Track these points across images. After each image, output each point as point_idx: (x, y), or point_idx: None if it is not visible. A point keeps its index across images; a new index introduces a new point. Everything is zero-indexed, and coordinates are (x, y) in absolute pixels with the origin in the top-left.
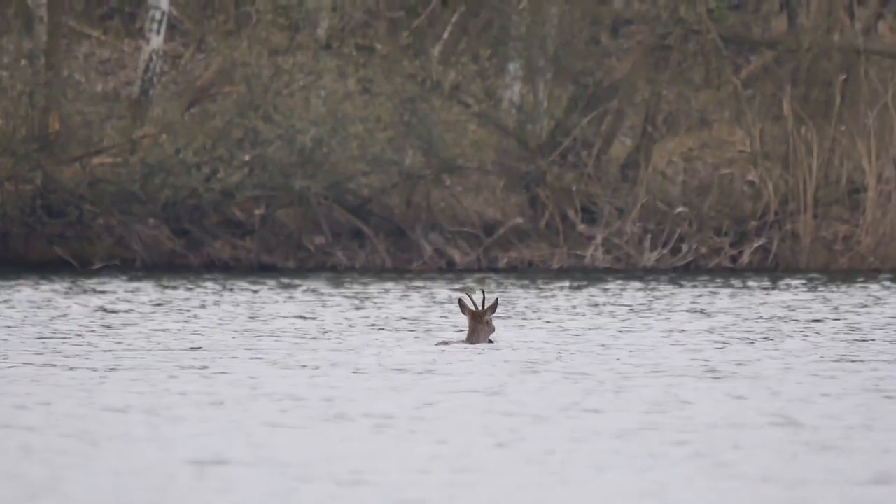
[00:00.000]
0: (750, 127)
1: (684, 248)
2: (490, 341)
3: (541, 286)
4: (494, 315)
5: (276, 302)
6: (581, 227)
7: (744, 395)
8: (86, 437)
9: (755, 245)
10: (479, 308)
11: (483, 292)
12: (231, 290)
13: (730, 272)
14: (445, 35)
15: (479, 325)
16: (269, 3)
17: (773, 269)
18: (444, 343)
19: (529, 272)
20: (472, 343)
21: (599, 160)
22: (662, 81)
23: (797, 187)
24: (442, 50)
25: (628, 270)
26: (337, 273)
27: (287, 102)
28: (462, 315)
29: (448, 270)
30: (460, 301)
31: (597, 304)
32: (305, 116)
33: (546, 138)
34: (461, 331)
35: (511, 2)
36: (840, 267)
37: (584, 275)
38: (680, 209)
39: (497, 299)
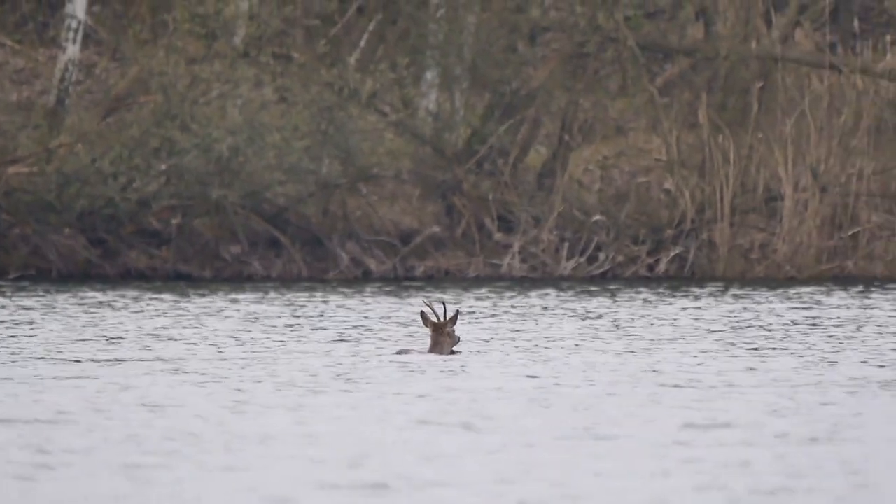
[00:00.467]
0: (666, 135)
1: (601, 256)
2: (454, 352)
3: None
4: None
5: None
6: (497, 236)
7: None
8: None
9: (672, 253)
10: (441, 320)
11: (444, 304)
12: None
13: (646, 281)
14: (362, 43)
15: (442, 337)
16: (185, 11)
17: (689, 278)
18: (404, 352)
19: (446, 281)
20: (435, 354)
21: (516, 168)
22: (579, 89)
23: (714, 195)
24: (359, 58)
25: (545, 279)
26: (254, 282)
27: (204, 111)
28: (425, 327)
29: (364, 279)
30: (422, 313)
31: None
32: (222, 125)
33: (462, 147)
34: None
35: (428, 10)
36: (756, 275)
37: (502, 283)
38: (596, 217)
39: (458, 311)
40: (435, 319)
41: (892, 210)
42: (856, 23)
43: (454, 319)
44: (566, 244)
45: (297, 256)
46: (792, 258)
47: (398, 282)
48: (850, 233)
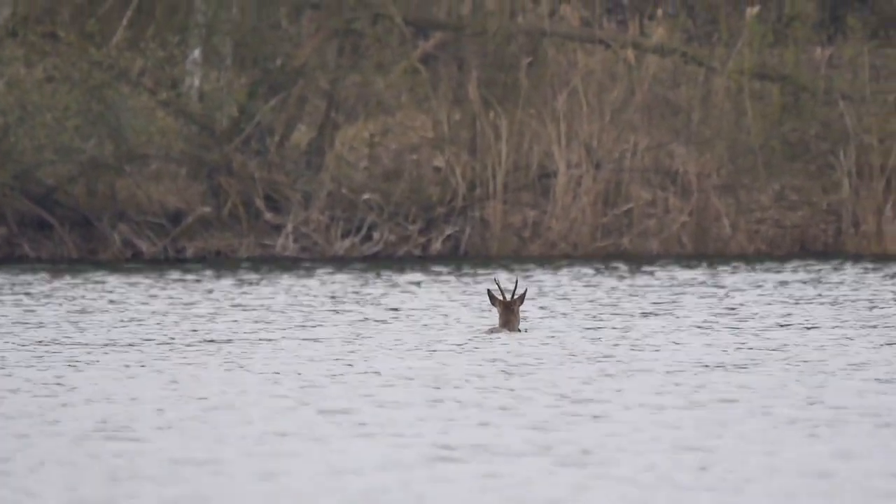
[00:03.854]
0: (435, 112)
1: (375, 235)
2: (520, 330)
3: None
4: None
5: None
6: (268, 216)
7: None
8: None
9: (446, 233)
10: (507, 298)
11: (516, 282)
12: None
13: (420, 260)
14: (124, 21)
15: (511, 316)
16: None
17: (463, 257)
18: (493, 330)
19: (218, 262)
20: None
21: (283, 147)
22: (345, 66)
23: (485, 173)
24: (127, 37)
25: (319, 259)
26: (25, 264)
27: None
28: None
29: (135, 260)
30: (489, 292)
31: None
32: None
33: (229, 125)
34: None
35: None
36: (531, 253)
37: (277, 264)
38: (367, 196)
39: (526, 289)
40: (501, 298)
41: (664, 186)
42: None
43: (522, 298)
44: (340, 223)
45: (67, 238)
46: (566, 235)
47: (169, 263)
48: (623, 209)
